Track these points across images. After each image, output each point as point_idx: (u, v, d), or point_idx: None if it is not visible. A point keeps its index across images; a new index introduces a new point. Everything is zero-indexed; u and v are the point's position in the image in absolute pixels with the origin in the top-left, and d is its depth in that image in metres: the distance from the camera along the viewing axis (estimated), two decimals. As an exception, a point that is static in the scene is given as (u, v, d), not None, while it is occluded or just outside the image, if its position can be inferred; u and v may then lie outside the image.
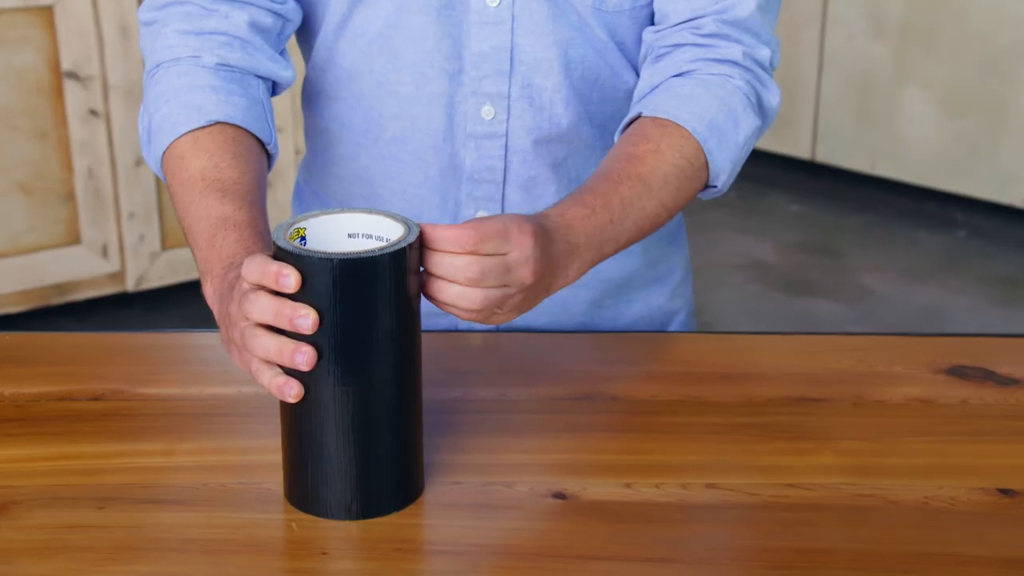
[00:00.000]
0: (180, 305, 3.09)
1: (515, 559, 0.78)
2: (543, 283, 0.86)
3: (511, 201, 1.10)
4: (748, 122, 1.03)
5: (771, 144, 4.02)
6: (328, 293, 0.76)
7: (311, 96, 1.15)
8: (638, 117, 1.02)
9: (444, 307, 0.82)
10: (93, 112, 2.83)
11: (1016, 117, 3.58)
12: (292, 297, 0.77)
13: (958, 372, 1.04)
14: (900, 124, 3.82)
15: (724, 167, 1.01)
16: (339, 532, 0.81)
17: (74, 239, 2.92)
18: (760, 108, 1.05)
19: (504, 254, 0.82)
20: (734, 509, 0.84)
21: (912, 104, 3.78)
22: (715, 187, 1.03)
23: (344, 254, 0.76)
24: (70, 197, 2.88)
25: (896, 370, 1.05)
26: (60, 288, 2.93)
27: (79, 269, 2.93)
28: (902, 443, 0.93)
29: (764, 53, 1.05)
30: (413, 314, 0.80)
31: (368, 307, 0.77)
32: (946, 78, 3.68)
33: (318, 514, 0.81)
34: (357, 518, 0.81)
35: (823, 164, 4.03)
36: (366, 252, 0.76)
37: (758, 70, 1.05)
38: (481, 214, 1.09)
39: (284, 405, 0.81)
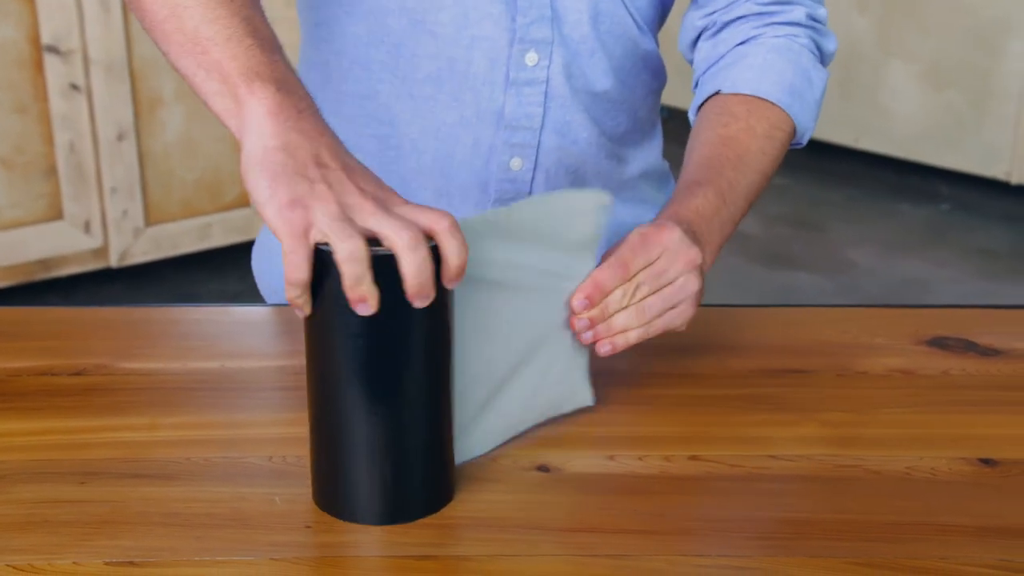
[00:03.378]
0: (164, 281, 3.09)
1: (498, 531, 0.78)
2: (703, 262, 0.92)
3: (546, 147, 1.09)
4: (820, 77, 1.08)
5: (755, 117, 4.01)
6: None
7: (308, 27, 1.11)
8: (715, 94, 1.06)
9: (616, 342, 0.88)
10: (74, 86, 2.81)
11: (1000, 90, 3.58)
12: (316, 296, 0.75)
13: (939, 343, 1.05)
14: (884, 97, 3.82)
15: (808, 126, 1.08)
16: (322, 505, 0.81)
17: (56, 214, 2.91)
18: (822, 58, 1.11)
19: (652, 261, 0.88)
20: (716, 480, 0.85)
21: (896, 77, 3.78)
22: (800, 144, 1.09)
23: (378, 250, 0.73)
24: (52, 172, 2.87)
25: (878, 341, 1.05)
26: (43, 264, 2.93)
27: (62, 244, 2.92)
28: (884, 414, 0.94)
29: (822, 12, 1.10)
30: (447, 312, 0.78)
31: (401, 306, 0.74)
32: (930, 51, 3.68)
33: (347, 519, 0.79)
34: (386, 523, 0.79)
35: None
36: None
37: (818, 25, 1.10)
38: (516, 161, 1.08)
39: (313, 410, 0.79)
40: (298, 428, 0.86)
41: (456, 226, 0.75)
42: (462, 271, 0.75)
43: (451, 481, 0.82)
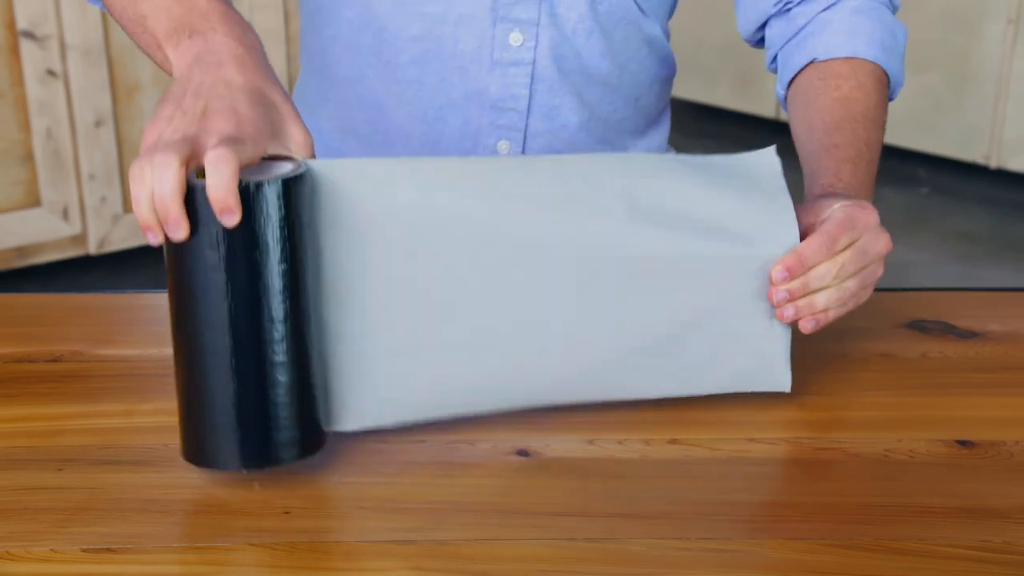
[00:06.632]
0: (144, 268, 3.07)
1: (478, 516, 0.78)
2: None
3: (534, 130, 1.08)
4: (901, 30, 1.10)
5: (736, 103, 4.02)
6: (212, 221, 0.74)
7: (308, 14, 1.12)
8: (809, 64, 1.06)
9: (819, 320, 0.87)
10: (51, 72, 2.79)
11: (979, 73, 3.59)
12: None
13: (918, 326, 1.05)
14: (864, 81, 3.82)
15: (900, 79, 1.09)
16: (301, 491, 0.81)
17: (34, 201, 2.89)
18: (893, 12, 1.12)
19: (855, 240, 0.87)
20: (696, 464, 0.85)
21: (876, 61, 3.78)
22: (891, 99, 1.09)
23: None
24: (29, 158, 2.85)
25: (857, 325, 1.05)
26: (21, 251, 2.91)
27: (40, 232, 2.90)
28: (863, 397, 0.94)
29: None
30: (299, 249, 0.78)
31: (253, 238, 0.75)
32: (909, 33, 3.69)
33: (212, 467, 0.78)
34: (251, 468, 0.78)
35: (787, 123, 4.03)
36: (252, 179, 0.75)
37: None
38: (503, 144, 1.08)
39: (176, 355, 0.79)
40: (276, 414, 0.85)
41: (225, 158, 0.73)
42: (222, 208, 0.73)
43: (318, 427, 0.81)
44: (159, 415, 0.89)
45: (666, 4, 1.12)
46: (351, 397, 0.83)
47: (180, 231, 0.74)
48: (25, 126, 2.82)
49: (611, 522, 0.78)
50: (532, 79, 1.06)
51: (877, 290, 1.02)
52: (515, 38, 1.04)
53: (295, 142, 0.81)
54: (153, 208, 0.74)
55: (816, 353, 1.00)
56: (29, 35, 2.76)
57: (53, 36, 2.77)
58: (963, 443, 0.87)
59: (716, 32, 3.75)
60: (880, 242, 0.88)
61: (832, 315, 0.88)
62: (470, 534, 0.76)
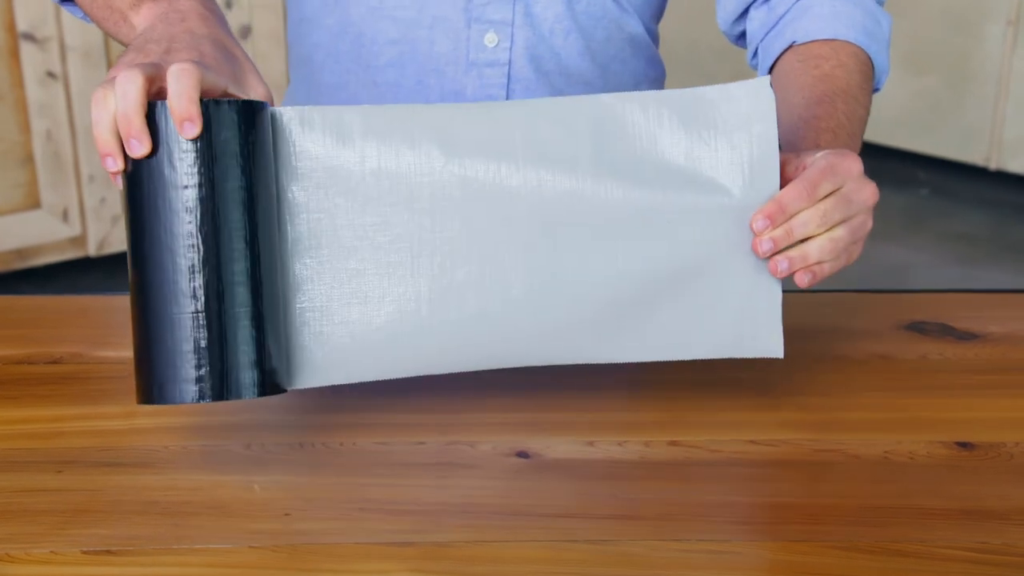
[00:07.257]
0: (143, 269, 3.07)
1: (478, 518, 0.78)
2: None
3: None
4: (886, 18, 1.05)
5: (735, 104, 4.01)
6: (172, 139, 0.74)
7: (293, 24, 1.13)
8: (789, 48, 1.03)
9: (815, 272, 0.81)
10: (51, 74, 2.79)
11: (978, 74, 3.59)
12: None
13: (918, 328, 1.05)
14: (863, 83, 3.82)
15: (884, 67, 1.04)
16: (301, 492, 0.81)
17: (34, 203, 2.89)
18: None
19: (838, 188, 0.81)
20: (696, 466, 0.85)
21: (875, 63, 3.78)
22: (878, 89, 1.05)
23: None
24: (28, 160, 2.85)
25: (857, 326, 1.05)
26: (21, 253, 2.91)
27: (40, 233, 2.90)
28: (862, 398, 0.94)
29: None
30: (258, 174, 0.77)
31: (213, 156, 0.74)
32: (908, 35, 3.69)
33: (167, 400, 0.75)
34: (207, 399, 0.75)
35: (787, 123, 4.03)
36: (214, 100, 0.75)
37: None
38: None
39: (132, 287, 0.77)
40: (277, 415, 0.86)
41: (187, 70, 0.73)
42: (183, 117, 0.73)
43: (271, 363, 0.78)
44: (159, 417, 0.89)
45: (649, 2, 1.11)
46: (311, 353, 0.81)
47: (142, 146, 0.73)
48: (25, 128, 2.82)
49: (611, 524, 0.78)
50: (508, 79, 1.07)
51: (876, 291, 1.02)
52: (490, 39, 1.05)
53: (256, 93, 0.81)
54: (114, 131, 0.74)
55: (816, 354, 1.00)
56: (29, 37, 2.76)
57: (53, 38, 2.77)
58: (963, 445, 0.87)
59: (712, 32, 3.75)
60: (865, 191, 0.83)
61: (828, 269, 0.82)
62: (470, 536, 0.76)
